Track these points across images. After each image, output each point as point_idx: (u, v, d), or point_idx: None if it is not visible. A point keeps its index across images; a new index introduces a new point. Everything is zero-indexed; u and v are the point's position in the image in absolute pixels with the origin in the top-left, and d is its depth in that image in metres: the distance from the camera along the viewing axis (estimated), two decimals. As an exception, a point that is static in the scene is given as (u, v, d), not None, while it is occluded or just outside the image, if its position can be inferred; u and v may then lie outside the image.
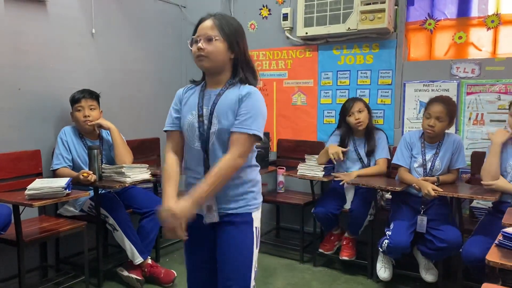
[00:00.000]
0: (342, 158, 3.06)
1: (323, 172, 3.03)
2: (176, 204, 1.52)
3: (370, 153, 3.14)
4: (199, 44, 1.55)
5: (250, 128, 1.54)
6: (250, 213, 1.65)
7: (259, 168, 1.73)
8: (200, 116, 1.60)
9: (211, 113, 1.58)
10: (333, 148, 3.08)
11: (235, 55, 1.60)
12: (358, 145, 3.18)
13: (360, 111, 3.11)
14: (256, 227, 1.67)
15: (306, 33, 3.50)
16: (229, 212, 1.63)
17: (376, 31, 3.28)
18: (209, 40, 1.55)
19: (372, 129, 3.17)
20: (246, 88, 1.59)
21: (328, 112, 3.66)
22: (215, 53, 1.56)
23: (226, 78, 1.63)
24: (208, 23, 1.57)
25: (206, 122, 1.59)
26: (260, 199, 1.72)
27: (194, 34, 1.60)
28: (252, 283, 1.65)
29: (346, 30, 3.31)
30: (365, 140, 3.17)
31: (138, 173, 2.79)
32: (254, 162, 1.70)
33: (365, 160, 3.15)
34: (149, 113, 3.77)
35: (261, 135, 1.58)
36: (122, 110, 3.48)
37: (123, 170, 2.71)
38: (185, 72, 4.11)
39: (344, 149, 3.09)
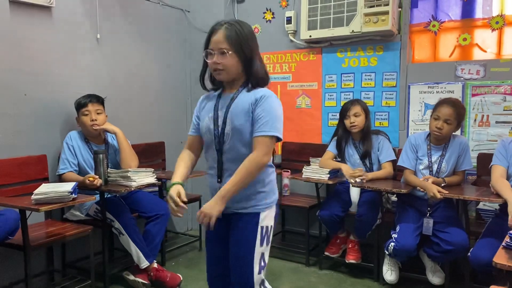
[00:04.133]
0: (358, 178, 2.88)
1: (328, 175, 3.02)
2: (207, 204, 1.67)
3: (364, 155, 3.11)
4: (214, 59, 1.67)
5: (269, 131, 1.65)
6: (258, 213, 1.74)
7: (273, 168, 1.83)
8: (216, 118, 1.73)
9: (225, 115, 1.71)
10: (348, 170, 2.96)
11: (244, 62, 1.70)
12: (358, 146, 3.16)
13: (356, 115, 3.07)
14: (262, 226, 1.74)
15: (310, 36, 3.50)
16: (239, 211, 1.75)
17: (380, 33, 3.27)
18: (222, 53, 1.66)
19: (368, 132, 3.12)
20: (260, 92, 1.70)
21: (332, 115, 3.65)
22: (229, 66, 1.68)
23: (240, 83, 1.75)
24: (220, 35, 1.66)
25: (220, 123, 1.72)
26: (272, 198, 1.80)
27: (207, 46, 1.70)
28: (255, 278, 1.73)
29: (350, 33, 3.31)
30: (362, 142, 3.14)
31: (144, 177, 2.79)
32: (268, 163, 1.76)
33: (367, 162, 3.13)
34: (155, 117, 3.78)
35: (281, 136, 1.69)
36: (127, 114, 3.49)
37: (128, 174, 2.72)
38: (190, 75, 4.12)
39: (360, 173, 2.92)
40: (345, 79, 3.58)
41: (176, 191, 1.71)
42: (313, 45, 3.66)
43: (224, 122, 1.70)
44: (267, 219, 1.77)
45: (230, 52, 1.65)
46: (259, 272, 1.75)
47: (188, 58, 4.10)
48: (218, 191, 1.67)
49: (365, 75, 3.48)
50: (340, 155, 3.21)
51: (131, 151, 2.98)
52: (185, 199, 1.70)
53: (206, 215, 1.64)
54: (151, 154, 3.67)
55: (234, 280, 1.76)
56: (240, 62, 1.68)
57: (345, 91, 3.58)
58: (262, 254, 1.76)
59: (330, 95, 3.65)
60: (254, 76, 1.71)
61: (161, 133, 3.82)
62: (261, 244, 1.74)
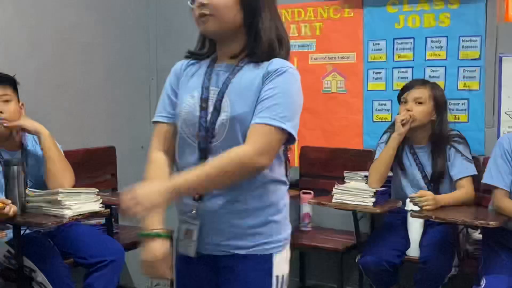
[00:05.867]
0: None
1: (374, 199, 3.00)
2: (144, 189, 1.57)
3: (436, 175, 3.15)
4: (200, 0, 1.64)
5: (276, 119, 1.60)
6: (270, 255, 1.71)
7: (287, 186, 1.79)
8: (204, 100, 1.70)
9: (221, 96, 1.68)
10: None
11: (248, 14, 1.67)
12: (420, 156, 3.20)
13: (418, 102, 3.12)
14: (277, 276, 1.73)
15: (345, -21, 3.52)
16: (238, 252, 1.69)
17: (454, -25, 3.29)
18: None
19: (441, 137, 3.15)
20: (276, 63, 1.67)
21: (380, 104, 3.66)
22: (221, 7, 1.63)
23: (240, 47, 1.71)
24: None
25: (211, 108, 1.69)
26: (287, 232, 1.78)
27: None
28: None
29: (407, -25, 3.33)
30: (430, 152, 3.18)
31: (83, 202, 2.78)
32: (280, 175, 1.75)
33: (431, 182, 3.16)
34: (101, 108, 3.80)
35: (294, 131, 1.64)
36: (57, 104, 3.51)
37: (59, 198, 2.69)
38: (155, 44, 4.16)
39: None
40: (399, 48, 3.58)
41: (160, 251, 1.63)
42: (350, -6, 3.67)
43: (218, 107, 1.68)
44: (283, 263, 1.76)
45: None
46: None
47: (153, 19, 4.13)
48: (171, 179, 1.64)
49: (432, 41, 3.49)
50: (395, 166, 3.25)
51: (62, 162, 2.98)
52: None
53: (138, 202, 1.52)
54: (96, 166, 3.69)
55: None
56: (239, 5, 1.65)
57: (400, 67, 3.59)
58: None
59: (377, 73, 3.65)
60: (261, 37, 1.68)
61: (110, 134, 3.84)
62: None
